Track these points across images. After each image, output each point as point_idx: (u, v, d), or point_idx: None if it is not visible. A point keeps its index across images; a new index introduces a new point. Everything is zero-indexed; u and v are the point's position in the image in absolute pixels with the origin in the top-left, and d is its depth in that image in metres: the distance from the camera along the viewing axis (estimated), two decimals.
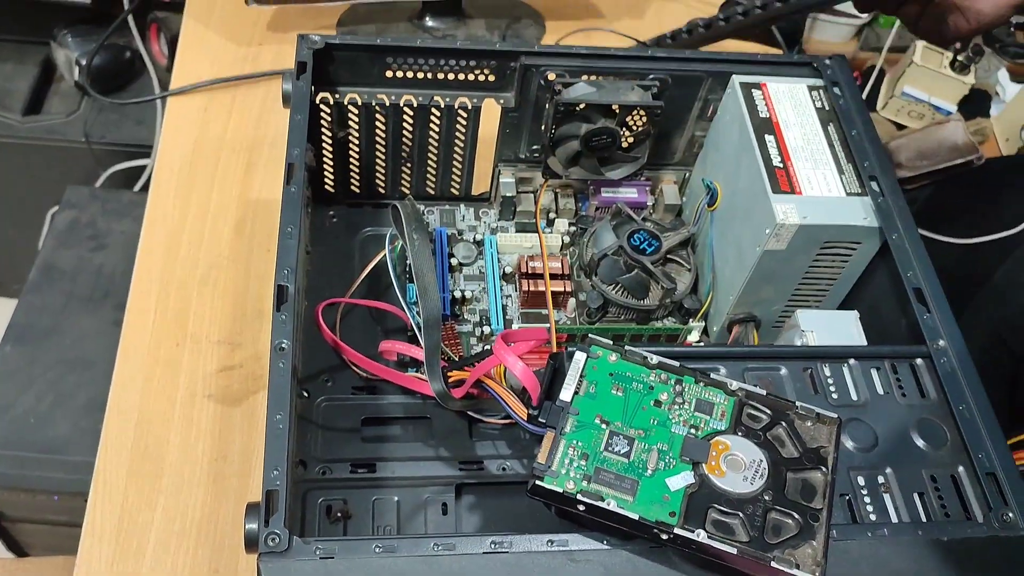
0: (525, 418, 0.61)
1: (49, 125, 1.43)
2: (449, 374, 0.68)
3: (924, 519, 0.57)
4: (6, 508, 1.19)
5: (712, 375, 0.58)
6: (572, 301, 0.82)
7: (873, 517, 0.57)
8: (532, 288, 0.81)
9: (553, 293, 0.81)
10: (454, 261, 0.84)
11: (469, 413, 0.70)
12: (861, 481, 0.59)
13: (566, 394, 0.56)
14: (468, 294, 0.82)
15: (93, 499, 0.72)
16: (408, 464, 0.70)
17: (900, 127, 1.42)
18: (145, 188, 1.41)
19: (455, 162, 0.85)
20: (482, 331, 0.80)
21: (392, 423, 0.73)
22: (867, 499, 0.58)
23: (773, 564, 0.50)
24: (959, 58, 1.42)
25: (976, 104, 1.45)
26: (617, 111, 0.77)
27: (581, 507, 0.52)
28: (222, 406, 0.78)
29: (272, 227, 0.89)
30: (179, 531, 0.71)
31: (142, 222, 0.89)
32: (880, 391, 0.63)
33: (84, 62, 1.37)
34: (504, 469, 0.70)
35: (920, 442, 0.60)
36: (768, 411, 0.57)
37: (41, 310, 1.24)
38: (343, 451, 0.70)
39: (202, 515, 0.72)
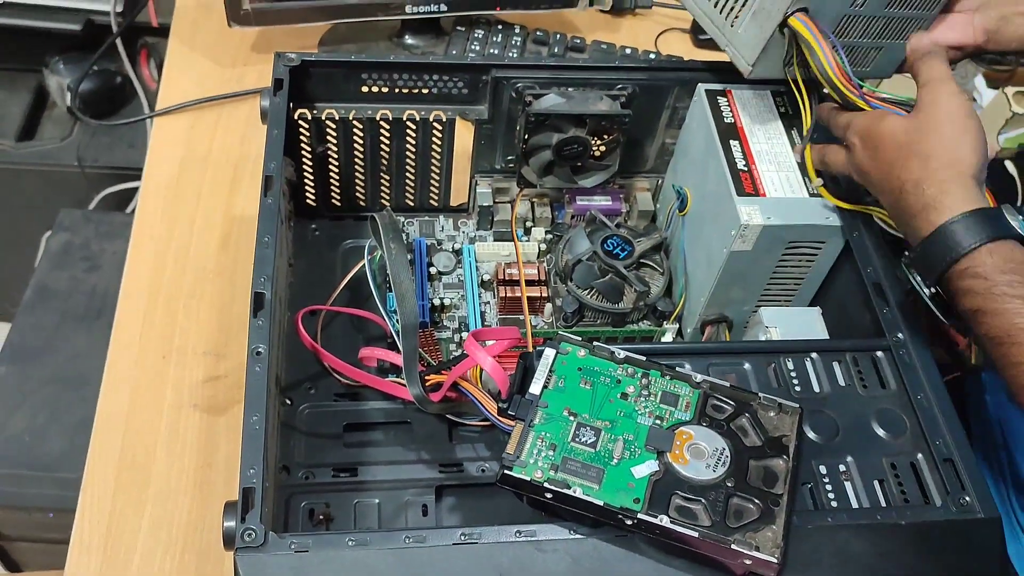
0: (504, 421, 0.63)
1: (42, 150, 1.45)
2: (427, 378, 0.69)
3: (884, 504, 0.59)
4: (1, 527, 1.20)
5: (678, 368, 0.60)
6: (549, 306, 0.84)
7: (835, 504, 0.59)
8: (509, 294, 0.83)
9: (530, 299, 0.83)
10: (433, 270, 0.86)
11: (448, 416, 0.72)
12: (823, 470, 0.60)
13: (535, 388, 0.58)
14: (448, 301, 0.84)
15: (81, 509, 0.74)
16: (389, 468, 0.72)
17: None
18: None
19: (432, 174, 0.87)
20: (460, 337, 0.82)
21: (373, 428, 0.74)
22: (828, 487, 0.60)
23: (733, 547, 0.52)
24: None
25: None
26: (587, 121, 0.80)
27: (548, 495, 0.54)
28: (208, 415, 0.80)
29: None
30: (166, 539, 0.73)
31: None
32: (842, 383, 0.65)
33: (76, 88, 1.40)
34: (483, 471, 0.72)
35: (880, 431, 0.62)
36: (732, 402, 0.59)
37: (36, 330, 1.26)
38: (326, 456, 0.72)
39: (188, 521, 0.74)
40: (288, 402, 0.75)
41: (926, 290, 0.61)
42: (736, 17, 0.71)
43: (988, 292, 0.57)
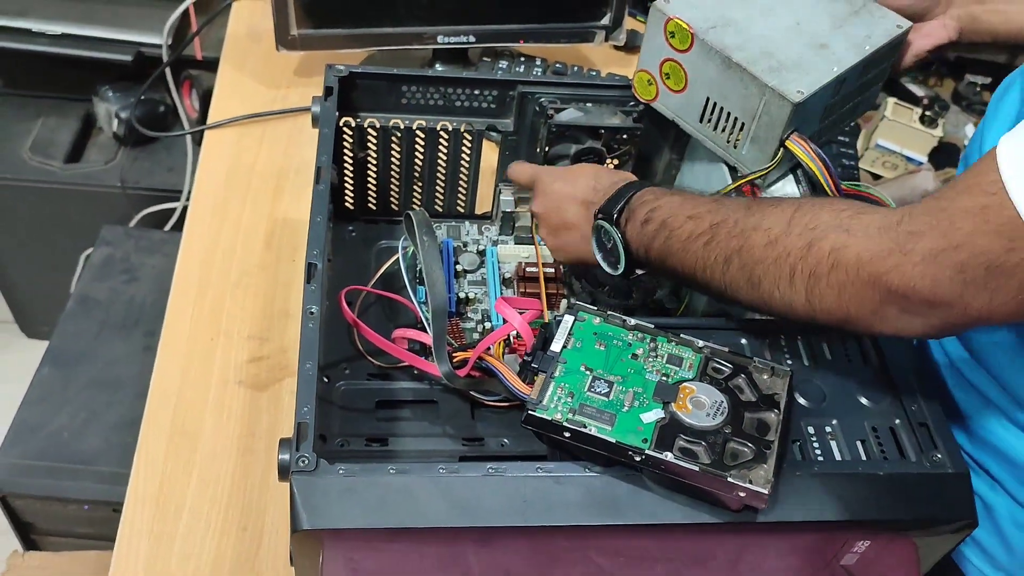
0: (521, 388, 0.70)
1: (88, 172, 1.55)
2: (454, 355, 0.77)
3: (864, 459, 0.66)
4: (37, 519, 1.27)
5: (682, 335, 0.68)
6: (564, 302, 0.92)
7: (821, 459, 0.66)
8: (529, 289, 0.91)
9: (547, 295, 0.91)
10: (459, 268, 0.94)
11: (472, 394, 0.79)
12: (811, 430, 0.67)
13: (556, 346, 0.66)
14: (472, 295, 0.92)
15: (136, 467, 0.81)
16: (417, 440, 0.79)
17: (876, 177, 1.54)
18: (176, 228, 1.53)
19: (461, 182, 0.96)
20: (483, 327, 0.90)
21: (403, 406, 0.81)
22: (816, 444, 0.66)
23: (730, 479, 0.58)
24: (927, 113, 1.55)
25: (946, 156, 1.57)
26: (603, 133, 0.89)
27: (567, 433, 0.61)
28: (251, 391, 0.87)
29: (297, 242, 1.00)
30: (212, 496, 0.80)
31: (172, 257, 1.00)
32: (828, 357, 0.72)
33: (124, 115, 1.51)
34: (503, 445, 0.79)
35: (863, 399, 0.69)
36: (730, 365, 0.66)
37: (77, 336, 1.34)
38: (359, 428, 0.79)
39: (232, 482, 0.81)
40: (326, 379, 0.82)
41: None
42: (738, 140, 0.79)
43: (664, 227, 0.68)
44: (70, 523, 1.27)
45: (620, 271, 0.74)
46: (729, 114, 0.78)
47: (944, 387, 0.80)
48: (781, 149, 0.76)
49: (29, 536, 1.30)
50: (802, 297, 0.60)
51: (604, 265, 0.76)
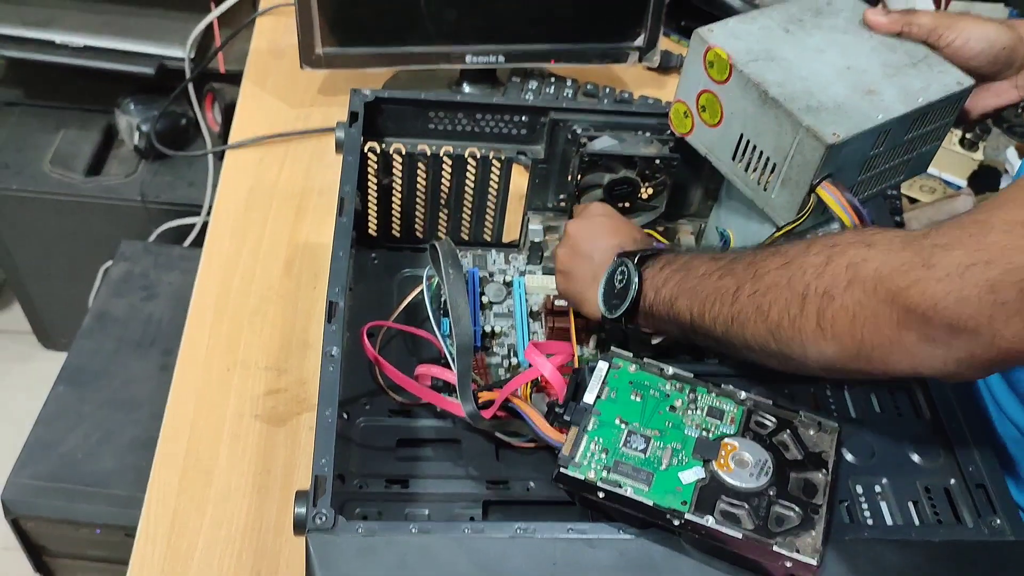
0: (552, 436, 0.66)
1: (108, 185, 1.53)
2: (479, 395, 0.73)
3: (917, 523, 0.62)
4: (49, 542, 1.24)
5: (723, 386, 0.64)
6: (594, 338, 0.88)
7: (870, 522, 0.62)
8: (557, 324, 0.87)
9: (576, 329, 0.87)
10: (485, 299, 0.91)
11: (497, 435, 0.76)
12: (859, 489, 0.63)
13: (589, 397, 0.62)
14: (497, 329, 0.88)
15: (148, 503, 0.78)
16: (439, 481, 0.75)
17: (913, 201, 1.49)
18: (195, 244, 1.51)
19: (488, 210, 0.93)
20: (509, 363, 0.86)
21: (425, 444, 0.78)
22: (864, 505, 0.63)
23: (775, 548, 0.55)
24: (967, 136, 1.50)
25: (985, 179, 1.53)
26: (638, 162, 0.85)
27: (601, 494, 0.57)
28: (267, 425, 0.84)
29: (318, 268, 0.97)
30: (225, 536, 0.77)
31: (190, 274, 0.97)
32: (878, 410, 0.68)
33: (145, 128, 1.48)
34: (528, 489, 0.75)
35: (915, 457, 0.65)
36: (774, 419, 0.62)
37: (93, 354, 1.31)
38: (379, 468, 0.75)
39: (246, 522, 0.78)
40: (345, 416, 0.79)
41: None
42: (768, 182, 0.75)
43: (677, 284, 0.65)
44: (82, 546, 1.24)
45: (617, 315, 0.70)
46: (761, 153, 0.74)
47: (995, 435, 0.76)
48: (813, 196, 0.71)
49: (41, 558, 1.27)
50: (812, 322, 0.54)
51: (602, 305, 0.72)
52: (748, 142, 0.75)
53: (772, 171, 0.74)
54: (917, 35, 0.76)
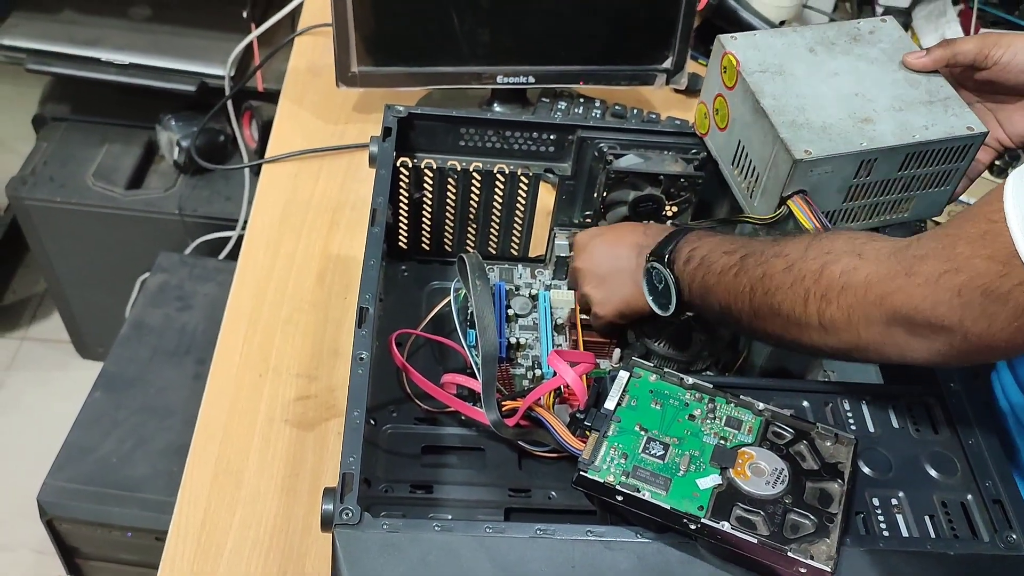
0: (573, 444, 0.68)
1: (148, 199, 1.58)
2: (503, 404, 0.75)
3: (933, 536, 0.62)
4: (82, 544, 1.27)
5: (742, 397, 0.65)
6: (617, 352, 0.90)
7: (886, 534, 0.63)
8: (584, 337, 0.89)
9: (599, 343, 0.89)
10: (510, 312, 0.93)
11: (520, 443, 0.77)
12: (876, 502, 0.64)
13: (610, 404, 0.63)
14: (523, 341, 0.90)
15: (180, 503, 0.80)
16: (462, 488, 0.77)
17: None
18: (230, 256, 1.54)
19: (515, 225, 0.95)
20: (533, 374, 0.88)
21: (449, 452, 0.80)
22: (880, 517, 0.63)
23: (790, 554, 0.56)
24: (997, 162, 1.50)
25: None
26: (663, 180, 0.87)
27: (619, 497, 0.59)
28: (297, 430, 0.86)
29: (349, 279, 0.99)
30: (254, 537, 0.79)
31: (225, 286, 1.00)
32: (895, 425, 0.69)
33: (185, 143, 1.53)
34: (550, 497, 0.77)
35: (932, 471, 0.66)
36: (791, 430, 0.64)
37: (130, 362, 1.35)
38: (404, 473, 0.77)
39: (274, 524, 0.80)
40: (372, 422, 0.81)
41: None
42: (753, 190, 0.77)
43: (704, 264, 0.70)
44: (113, 549, 1.27)
45: (670, 312, 0.75)
46: (751, 161, 0.77)
47: (1013, 450, 0.77)
48: (784, 207, 0.74)
49: (74, 560, 1.30)
50: (815, 320, 0.61)
51: (655, 307, 0.77)
52: (743, 148, 0.78)
53: (756, 179, 0.76)
54: (964, 63, 0.75)
